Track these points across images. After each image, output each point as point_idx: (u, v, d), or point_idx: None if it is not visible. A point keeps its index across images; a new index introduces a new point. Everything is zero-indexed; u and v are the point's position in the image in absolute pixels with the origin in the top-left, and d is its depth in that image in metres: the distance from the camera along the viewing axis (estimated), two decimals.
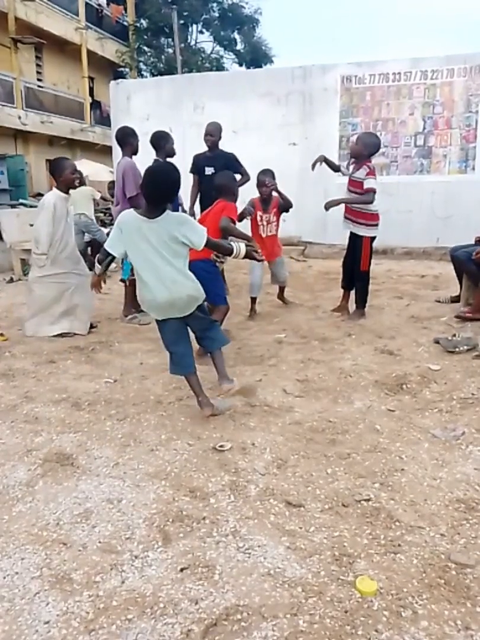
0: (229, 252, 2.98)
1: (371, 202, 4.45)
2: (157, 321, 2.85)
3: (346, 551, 1.82)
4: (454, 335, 3.94)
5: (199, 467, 2.36)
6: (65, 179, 4.29)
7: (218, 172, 5.32)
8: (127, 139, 4.74)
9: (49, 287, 4.33)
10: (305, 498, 2.13)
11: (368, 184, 4.40)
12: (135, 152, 4.79)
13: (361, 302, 4.77)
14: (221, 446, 2.52)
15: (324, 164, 4.73)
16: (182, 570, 1.74)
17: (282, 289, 5.28)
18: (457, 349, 3.74)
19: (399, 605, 1.59)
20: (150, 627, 1.53)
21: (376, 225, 4.62)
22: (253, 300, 4.95)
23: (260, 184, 4.76)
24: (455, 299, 5.12)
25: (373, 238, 4.65)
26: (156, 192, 2.60)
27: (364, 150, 4.49)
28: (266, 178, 4.72)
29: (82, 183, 7.37)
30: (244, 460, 2.42)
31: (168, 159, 4.98)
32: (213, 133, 5.42)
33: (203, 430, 2.70)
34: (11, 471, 2.37)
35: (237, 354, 3.90)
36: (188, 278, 2.72)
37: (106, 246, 2.73)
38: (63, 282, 4.36)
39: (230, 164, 5.36)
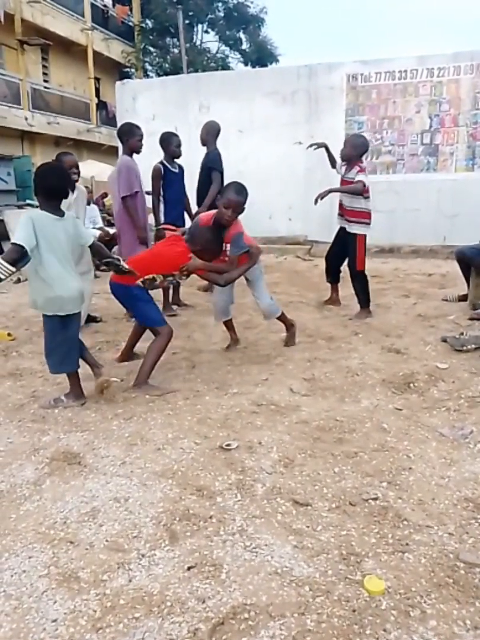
0: (110, 262, 3.13)
1: (358, 192, 4.44)
2: (60, 318, 2.89)
3: (354, 550, 1.81)
4: (462, 333, 3.92)
5: (206, 466, 2.36)
6: None
7: (202, 172, 5.58)
8: (124, 137, 4.61)
9: None
10: (313, 497, 2.12)
11: (358, 177, 4.44)
12: (136, 151, 4.62)
13: (363, 301, 4.76)
14: (228, 445, 2.52)
15: (323, 151, 4.82)
16: (189, 568, 1.74)
17: (285, 324, 3.98)
18: (464, 348, 3.72)
19: (407, 604, 1.58)
20: (157, 625, 1.52)
21: (368, 223, 4.63)
22: (227, 326, 4.00)
23: (230, 206, 3.41)
24: (463, 298, 5.09)
25: (365, 236, 4.66)
26: (50, 190, 2.84)
27: (353, 152, 4.56)
28: (242, 200, 3.46)
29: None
30: (251, 459, 2.41)
31: (175, 160, 5.02)
32: (201, 133, 5.63)
33: (210, 429, 2.70)
34: (18, 470, 2.37)
35: (243, 353, 3.89)
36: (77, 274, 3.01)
37: (20, 241, 2.64)
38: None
39: (208, 165, 5.52)
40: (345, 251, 4.72)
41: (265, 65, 22.49)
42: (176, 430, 2.70)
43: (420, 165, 8.72)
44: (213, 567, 1.74)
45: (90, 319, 4.69)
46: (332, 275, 5.00)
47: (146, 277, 3.22)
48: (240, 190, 3.46)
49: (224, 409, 2.94)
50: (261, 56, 24.41)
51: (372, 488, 2.17)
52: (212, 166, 5.46)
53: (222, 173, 5.46)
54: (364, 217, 4.57)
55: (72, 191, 4.36)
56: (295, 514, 2.02)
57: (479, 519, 1.96)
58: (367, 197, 4.53)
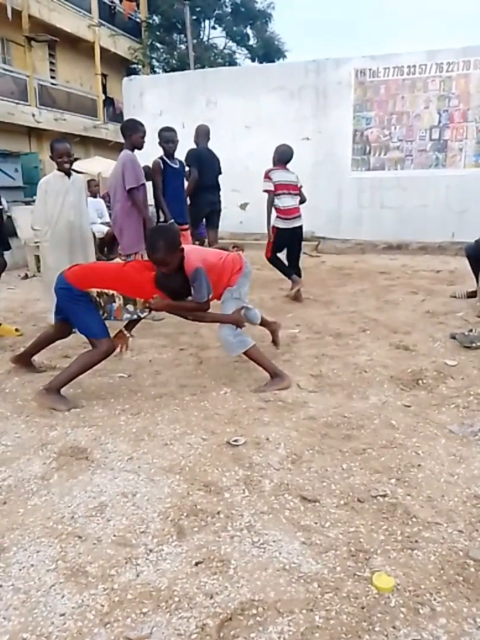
0: None
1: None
2: None
3: (362, 547, 1.80)
4: (471, 330, 3.90)
5: (213, 462, 2.35)
6: (54, 161, 4.24)
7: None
8: (126, 132, 4.61)
9: (45, 260, 4.35)
10: (321, 493, 2.11)
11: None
12: (139, 147, 4.61)
13: (287, 275, 5.36)
14: (235, 441, 2.51)
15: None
16: (196, 564, 1.74)
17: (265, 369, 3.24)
18: (473, 345, 3.70)
19: (416, 601, 1.57)
20: (165, 620, 1.52)
21: (279, 217, 5.28)
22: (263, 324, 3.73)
23: (153, 262, 2.92)
24: (472, 294, 5.06)
25: (279, 229, 5.27)
26: None
27: (276, 158, 5.27)
28: (157, 256, 2.87)
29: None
30: (258, 455, 2.40)
31: (175, 156, 5.06)
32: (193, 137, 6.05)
33: (217, 425, 2.70)
34: (26, 465, 2.38)
35: None
36: None
37: None
38: (49, 262, 4.32)
39: (185, 162, 5.79)
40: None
41: (273, 61, 22.39)
42: (183, 426, 2.70)
43: (428, 161, 8.66)
44: (221, 562, 1.74)
45: None
46: (280, 268, 5.48)
47: (105, 290, 2.91)
48: (153, 244, 2.84)
49: (231, 405, 2.94)
50: (268, 52, 24.27)
51: (381, 485, 2.15)
52: (187, 163, 5.65)
53: (198, 169, 5.72)
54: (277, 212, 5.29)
55: (68, 177, 4.30)
56: (303, 510, 2.01)
57: None
58: (274, 196, 5.19)
